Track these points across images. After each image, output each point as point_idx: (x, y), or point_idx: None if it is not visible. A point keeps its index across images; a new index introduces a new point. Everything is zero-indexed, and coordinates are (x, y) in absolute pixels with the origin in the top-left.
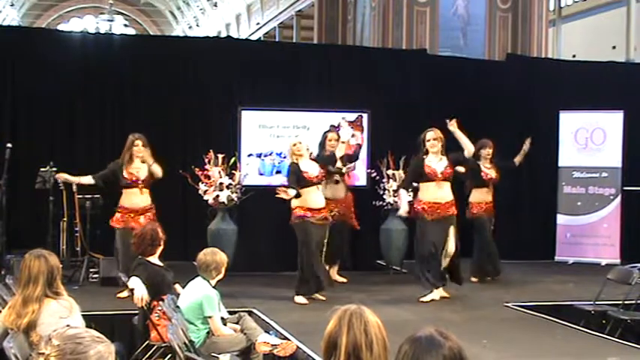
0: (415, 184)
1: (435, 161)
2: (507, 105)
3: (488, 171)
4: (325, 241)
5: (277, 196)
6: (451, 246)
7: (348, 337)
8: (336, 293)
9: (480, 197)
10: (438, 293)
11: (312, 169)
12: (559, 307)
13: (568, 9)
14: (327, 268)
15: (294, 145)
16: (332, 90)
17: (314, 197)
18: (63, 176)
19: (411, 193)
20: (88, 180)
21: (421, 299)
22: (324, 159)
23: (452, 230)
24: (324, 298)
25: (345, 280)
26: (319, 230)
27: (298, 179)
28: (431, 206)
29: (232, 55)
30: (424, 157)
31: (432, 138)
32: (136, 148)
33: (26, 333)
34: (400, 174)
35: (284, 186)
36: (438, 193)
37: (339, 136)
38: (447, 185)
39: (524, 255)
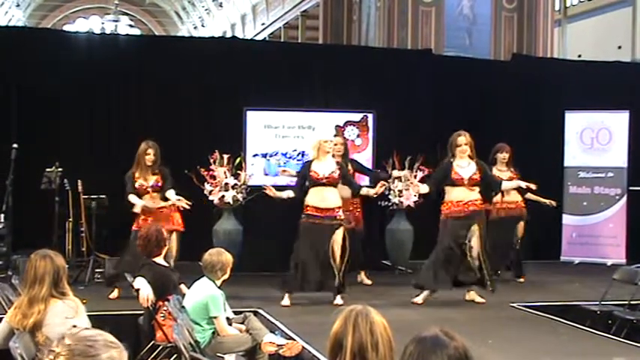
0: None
1: (464, 166)
2: (513, 105)
3: (501, 174)
4: (338, 244)
5: (264, 191)
6: (475, 244)
7: (354, 337)
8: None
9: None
10: (424, 296)
11: (322, 169)
12: (565, 307)
13: (574, 9)
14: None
15: (326, 142)
16: (337, 90)
17: (320, 196)
18: None
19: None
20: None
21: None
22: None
23: (475, 228)
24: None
25: (369, 282)
26: (321, 231)
27: (305, 178)
28: (456, 206)
29: (238, 56)
30: (452, 160)
31: (463, 143)
32: (148, 157)
33: (32, 333)
34: (406, 174)
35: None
36: (464, 196)
37: (344, 140)
38: (475, 191)
39: (530, 255)
